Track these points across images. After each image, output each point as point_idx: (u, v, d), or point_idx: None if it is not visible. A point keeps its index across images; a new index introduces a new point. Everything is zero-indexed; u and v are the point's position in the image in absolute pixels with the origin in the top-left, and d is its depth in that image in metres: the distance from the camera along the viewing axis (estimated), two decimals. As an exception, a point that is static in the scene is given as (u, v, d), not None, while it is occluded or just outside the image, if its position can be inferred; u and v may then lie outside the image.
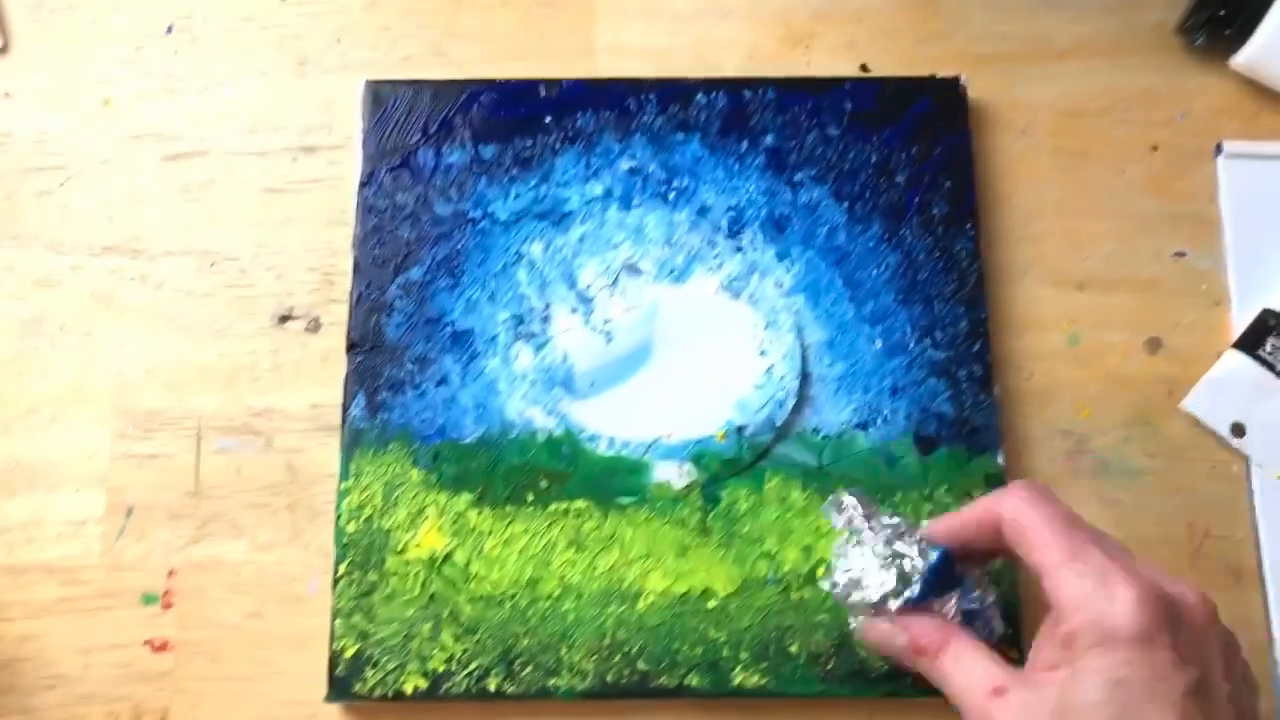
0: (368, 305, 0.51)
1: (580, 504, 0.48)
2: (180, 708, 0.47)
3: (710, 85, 0.54)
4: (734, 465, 0.49)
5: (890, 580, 0.41)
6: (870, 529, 0.43)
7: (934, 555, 0.41)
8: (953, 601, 0.42)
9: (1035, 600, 0.48)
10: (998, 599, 0.43)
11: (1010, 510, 0.40)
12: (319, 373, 0.51)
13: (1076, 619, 0.37)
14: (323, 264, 0.53)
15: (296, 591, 0.49)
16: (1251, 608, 0.49)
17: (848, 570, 0.42)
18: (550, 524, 0.48)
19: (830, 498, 0.45)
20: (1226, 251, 0.53)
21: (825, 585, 0.44)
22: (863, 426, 0.50)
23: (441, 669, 0.47)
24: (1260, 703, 0.40)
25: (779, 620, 0.47)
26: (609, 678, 0.47)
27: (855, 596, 0.42)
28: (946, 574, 0.42)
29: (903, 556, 0.42)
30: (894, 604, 0.41)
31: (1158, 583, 0.37)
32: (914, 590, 0.41)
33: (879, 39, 0.57)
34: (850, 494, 0.44)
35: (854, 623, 0.44)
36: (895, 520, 0.43)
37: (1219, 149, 0.54)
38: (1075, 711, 0.36)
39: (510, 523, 0.48)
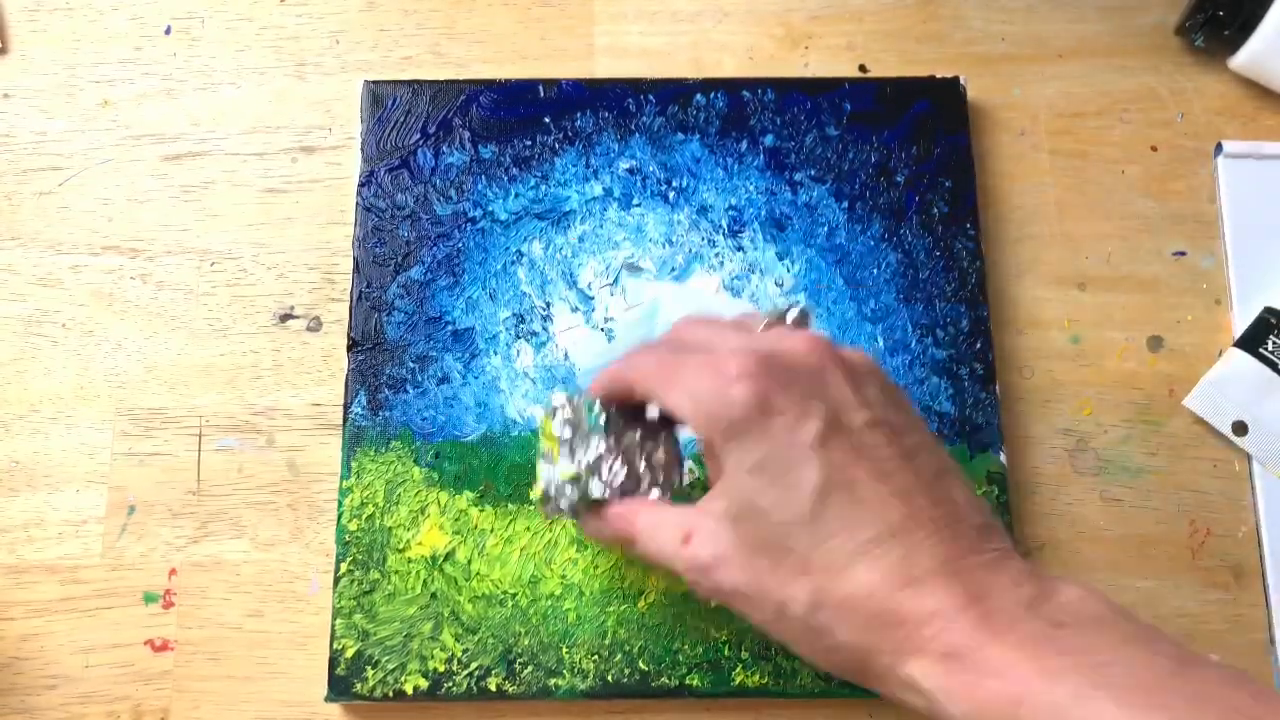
0: (368, 304, 0.51)
1: (582, 502, 0.48)
2: (180, 708, 0.47)
3: (709, 86, 0.54)
4: (735, 464, 0.49)
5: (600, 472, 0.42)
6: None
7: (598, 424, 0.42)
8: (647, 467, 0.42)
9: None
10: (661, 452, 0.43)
11: (617, 373, 0.41)
12: (320, 371, 0.51)
13: (703, 429, 0.37)
14: (323, 263, 0.53)
15: (297, 590, 0.49)
16: (1253, 606, 0.49)
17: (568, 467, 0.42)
18: (552, 522, 0.48)
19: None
20: (1226, 251, 0.53)
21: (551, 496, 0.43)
22: (864, 425, 0.50)
23: (442, 669, 0.46)
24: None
25: (780, 619, 0.47)
26: (610, 677, 0.46)
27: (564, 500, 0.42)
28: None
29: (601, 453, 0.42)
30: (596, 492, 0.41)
31: (758, 349, 0.37)
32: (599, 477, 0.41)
33: (878, 39, 0.57)
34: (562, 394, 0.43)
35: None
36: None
37: (1218, 149, 0.54)
38: (745, 514, 0.36)
39: (512, 521, 0.48)
